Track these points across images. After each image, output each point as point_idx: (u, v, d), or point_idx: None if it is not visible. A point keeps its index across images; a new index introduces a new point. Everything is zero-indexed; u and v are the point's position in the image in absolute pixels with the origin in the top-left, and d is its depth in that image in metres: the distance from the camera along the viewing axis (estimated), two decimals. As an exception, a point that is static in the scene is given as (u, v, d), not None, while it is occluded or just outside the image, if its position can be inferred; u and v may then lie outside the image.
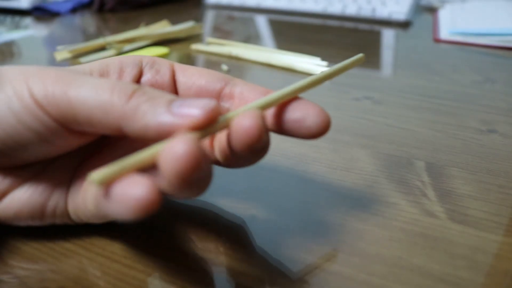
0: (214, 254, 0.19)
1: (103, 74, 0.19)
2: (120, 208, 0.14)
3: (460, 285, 0.18)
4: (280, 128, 0.18)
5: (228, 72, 0.43)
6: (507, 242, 0.20)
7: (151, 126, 0.15)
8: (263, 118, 0.16)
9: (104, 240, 0.20)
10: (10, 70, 0.18)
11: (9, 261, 0.19)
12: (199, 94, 0.20)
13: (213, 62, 0.46)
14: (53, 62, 0.46)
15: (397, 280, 0.18)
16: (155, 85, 0.20)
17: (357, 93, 0.37)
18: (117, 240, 0.20)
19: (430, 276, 0.18)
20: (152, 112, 0.15)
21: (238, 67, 0.44)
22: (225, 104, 0.20)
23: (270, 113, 0.18)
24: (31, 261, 0.19)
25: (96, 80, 0.17)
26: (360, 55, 0.21)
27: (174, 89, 0.21)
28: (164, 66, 0.21)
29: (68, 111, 0.16)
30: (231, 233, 0.21)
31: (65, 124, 0.17)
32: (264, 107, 0.17)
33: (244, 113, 0.16)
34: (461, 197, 0.23)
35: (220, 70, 0.43)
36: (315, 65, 0.43)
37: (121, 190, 0.14)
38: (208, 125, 0.16)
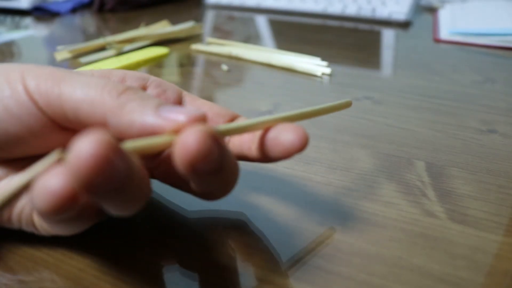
0: (214, 254, 0.19)
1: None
2: (36, 201, 0.13)
3: (460, 285, 0.18)
4: (262, 153, 0.18)
5: (228, 72, 0.43)
6: (507, 242, 0.20)
7: (136, 124, 0.15)
8: (213, 138, 0.14)
9: (106, 241, 0.20)
10: (7, 64, 0.18)
11: (9, 262, 0.19)
12: None
13: (213, 62, 0.46)
14: (53, 62, 0.46)
15: (397, 280, 0.18)
16: None
17: (357, 93, 0.37)
18: (119, 242, 0.20)
19: (430, 276, 0.18)
20: (140, 111, 0.15)
21: (238, 67, 0.44)
22: None
23: (255, 144, 0.18)
24: (31, 261, 0.19)
25: (90, 78, 0.17)
26: (348, 100, 0.21)
27: None
28: (171, 89, 0.21)
29: (57, 104, 0.16)
30: (231, 233, 0.21)
31: (53, 118, 0.17)
32: (237, 132, 0.17)
33: (191, 129, 0.14)
34: (461, 197, 0.23)
35: (220, 70, 0.43)
36: (315, 65, 0.43)
37: (41, 181, 0.13)
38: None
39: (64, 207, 0.13)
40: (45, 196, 0.13)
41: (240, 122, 0.17)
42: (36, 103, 0.17)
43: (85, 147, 0.12)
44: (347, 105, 0.21)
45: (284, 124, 0.17)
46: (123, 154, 0.13)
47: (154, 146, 0.15)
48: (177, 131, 0.15)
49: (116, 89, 0.16)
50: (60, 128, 0.17)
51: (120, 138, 0.15)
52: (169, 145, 0.15)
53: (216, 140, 0.15)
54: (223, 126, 0.17)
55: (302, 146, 0.16)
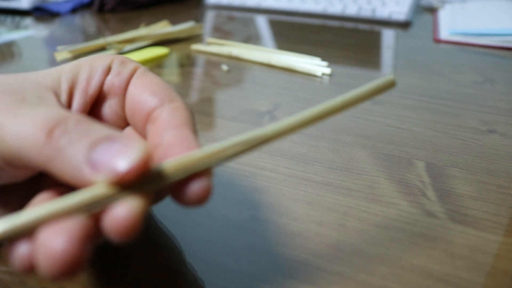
0: (213, 255, 0.19)
1: (74, 82, 0.18)
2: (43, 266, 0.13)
3: (460, 285, 0.18)
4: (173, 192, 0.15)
5: (228, 72, 0.43)
6: (507, 242, 0.20)
7: (76, 176, 0.14)
8: (142, 211, 0.13)
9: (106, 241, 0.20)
10: None
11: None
12: (133, 108, 0.19)
13: (213, 62, 0.46)
14: (53, 62, 0.46)
15: (397, 280, 0.18)
16: (112, 88, 0.19)
17: (357, 93, 0.37)
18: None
19: (430, 276, 0.18)
20: (73, 160, 0.14)
21: (238, 67, 0.44)
22: (148, 127, 0.18)
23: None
24: (31, 261, 0.19)
25: (26, 113, 0.15)
26: (390, 77, 0.17)
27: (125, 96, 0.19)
28: (127, 69, 0.19)
29: (4, 149, 0.15)
30: (231, 233, 0.21)
31: (6, 161, 0.15)
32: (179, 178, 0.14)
33: (123, 203, 0.13)
34: (461, 197, 0.23)
35: (220, 70, 0.43)
36: (315, 65, 0.43)
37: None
38: (136, 180, 0.13)
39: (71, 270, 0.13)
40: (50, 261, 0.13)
41: (186, 164, 0.14)
42: None
43: (58, 245, 0.12)
44: (391, 84, 0.17)
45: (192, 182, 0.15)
46: (89, 238, 0.13)
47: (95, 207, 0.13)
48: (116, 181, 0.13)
49: (47, 129, 0.14)
50: (9, 166, 0.16)
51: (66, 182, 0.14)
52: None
53: (143, 213, 0.14)
54: (169, 168, 0.14)
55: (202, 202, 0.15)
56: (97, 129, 0.14)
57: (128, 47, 0.49)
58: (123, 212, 0.13)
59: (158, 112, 0.18)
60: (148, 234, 0.20)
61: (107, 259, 0.19)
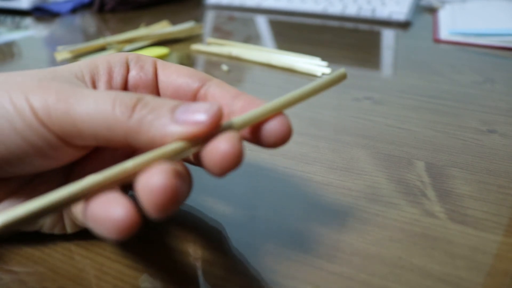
0: (213, 254, 0.19)
1: (94, 75, 0.19)
2: (99, 228, 0.14)
3: (460, 285, 0.18)
4: (254, 137, 0.17)
5: (228, 72, 0.43)
6: (507, 242, 0.20)
7: (157, 139, 0.15)
8: (241, 142, 0.15)
9: (106, 241, 0.20)
10: (6, 81, 0.17)
11: (10, 261, 0.19)
12: (176, 93, 0.20)
13: (213, 62, 0.46)
14: (53, 62, 0.46)
15: (397, 280, 0.18)
16: (140, 82, 0.20)
17: (357, 93, 0.37)
18: (118, 242, 0.20)
19: (430, 276, 0.18)
20: (157, 124, 0.15)
21: (238, 67, 0.44)
22: None
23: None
24: (31, 261, 0.19)
25: (97, 94, 0.16)
26: (342, 70, 0.19)
27: (157, 86, 0.20)
28: (148, 63, 0.21)
29: (72, 128, 0.16)
30: (231, 233, 0.21)
31: (67, 140, 0.16)
32: (246, 125, 0.17)
33: (223, 137, 0.15)
34: (461, 197, 0.23)
35: (220, 70, 0.43)
36: (315, 65, 0.43)
37: (99, 210, 0.14)
38: (213, 130, 0.15)
39: (128, 233, 0.14)
40: (109, 227, 0.13)
41: (249, 113, 0.17)
42: (43, 122, 0.16)
43: (157, 181, 0.13)
44: (342, 77, 0.19)
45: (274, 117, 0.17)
46: (182, 179, 0.15)
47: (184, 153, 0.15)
48: (202, 133, 0.15)
49: (126, 105, 0.16)
50: (72, 146, 0.17)
51: (144, 149, 0.16)
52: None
53: (242, 145, 0.15)
54: (237, 121, 0.16)
55: (287, 138, 0.17)
56: (170, 100, 0.16)
57: (128, 47, 0.49)
58: (226, 145, 0.15)
59: (205, 90, 0.19)
60: (147, 234, 0.20)
61: (106, 259, 0.19)
